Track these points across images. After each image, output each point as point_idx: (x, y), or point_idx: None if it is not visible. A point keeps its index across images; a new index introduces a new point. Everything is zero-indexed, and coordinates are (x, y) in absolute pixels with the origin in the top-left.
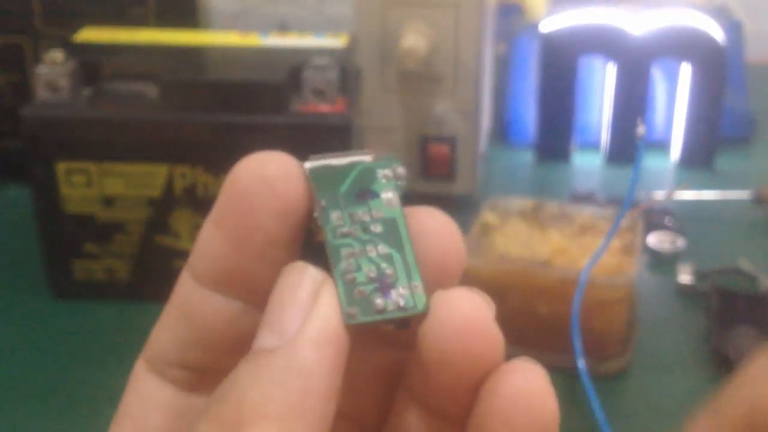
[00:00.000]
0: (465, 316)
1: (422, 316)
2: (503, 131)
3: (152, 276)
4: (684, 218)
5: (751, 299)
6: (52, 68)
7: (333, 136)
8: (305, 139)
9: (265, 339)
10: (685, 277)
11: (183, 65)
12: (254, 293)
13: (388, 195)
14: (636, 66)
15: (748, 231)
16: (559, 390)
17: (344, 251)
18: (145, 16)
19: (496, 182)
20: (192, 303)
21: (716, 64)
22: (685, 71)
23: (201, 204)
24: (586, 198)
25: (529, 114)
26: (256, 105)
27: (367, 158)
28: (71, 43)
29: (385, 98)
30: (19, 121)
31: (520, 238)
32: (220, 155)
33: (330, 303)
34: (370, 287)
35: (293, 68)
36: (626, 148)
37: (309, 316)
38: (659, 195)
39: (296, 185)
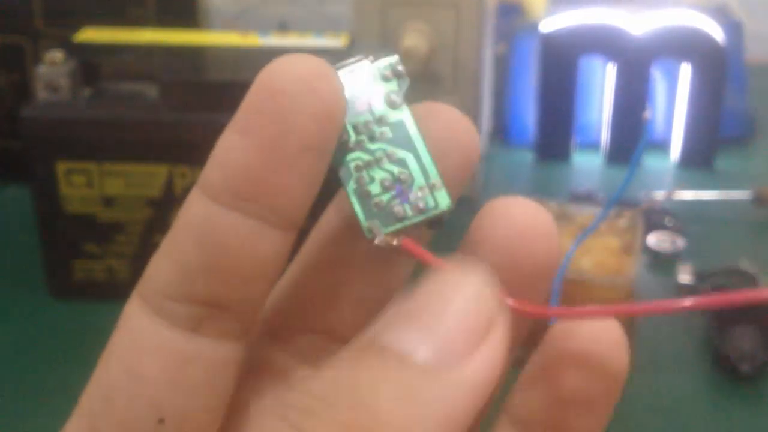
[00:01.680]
0: (527, 218)
1: (447, 213)
2: (503, 131)
3: None
4: (684, 218)
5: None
6: (52, 68)
7: None
8: None
9: (411, 344)
10: (685, 277)
11: (183, 65)
12: (277, 211)
13: (391, 96)
14: (636, 66)
15: (748, 231)
16: None
17: (353, 165)
18: (145, 16)
19: (496, 182)
20: (204, 223)
21: (716, 64)
22: (685, 71)
23: None
24: (586, 198)
25: (529, 114)
26: None
27: (365, 62)
28: (71, 43)
29: None
30: (19, 121)
31: None
32: None
33: (501, 339)
34: (386, 196)
35: None
36: (626, 147)
37: (479, 347)
38: (659, 195)
39: (335, 84)
